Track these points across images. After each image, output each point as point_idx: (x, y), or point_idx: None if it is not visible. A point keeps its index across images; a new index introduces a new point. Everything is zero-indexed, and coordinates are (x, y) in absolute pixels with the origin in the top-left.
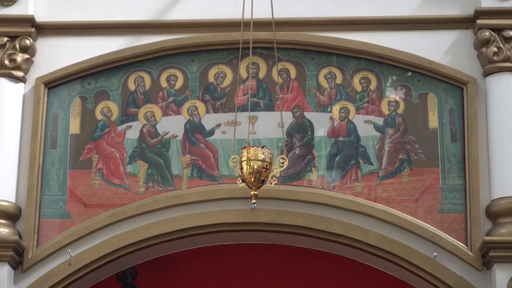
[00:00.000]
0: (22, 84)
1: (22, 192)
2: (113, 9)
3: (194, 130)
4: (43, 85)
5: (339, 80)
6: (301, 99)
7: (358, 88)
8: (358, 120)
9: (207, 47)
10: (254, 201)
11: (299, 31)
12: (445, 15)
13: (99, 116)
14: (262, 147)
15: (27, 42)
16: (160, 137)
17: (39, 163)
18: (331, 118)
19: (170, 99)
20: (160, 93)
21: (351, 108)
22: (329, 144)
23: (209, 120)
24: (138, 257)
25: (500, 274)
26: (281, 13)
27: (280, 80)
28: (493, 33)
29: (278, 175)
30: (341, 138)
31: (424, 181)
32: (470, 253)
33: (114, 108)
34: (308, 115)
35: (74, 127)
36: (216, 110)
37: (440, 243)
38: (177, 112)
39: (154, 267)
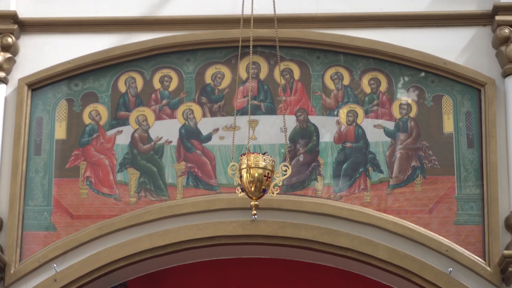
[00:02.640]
0: (3, 85)
1: (4, 202)
2: (102, 4)
3: (190, 135)
4: (26, 87)
5: (346, 81)
6: (306, 101)
7: (367, 89)
8: (367, 124)
9: (203, 45)
10: (255, 212)
11: (303, 28)
12: (461, 11)
13: (87, 120)
14: (263, 154)
15: (9, 40)
16: (153, 143)
17: (22, 171)
18: (338, 122)
19: (164, 101)
20: (153, 95)
21: (360, 111)
22: (336, 151)
23: (206, 125)
24: (129, 273)
25: None
26: (284, 9)
27: (283, 81)
28: None
29: (280, 184)
30: (348, 144)
31: (438, 191)
32: (488, 268)
33: (103, 112)
34: (313, 119)
35: (60, 132)
36: (213, 114)
37: (456, 258)
38: (172, 116)
39: (146, 283)
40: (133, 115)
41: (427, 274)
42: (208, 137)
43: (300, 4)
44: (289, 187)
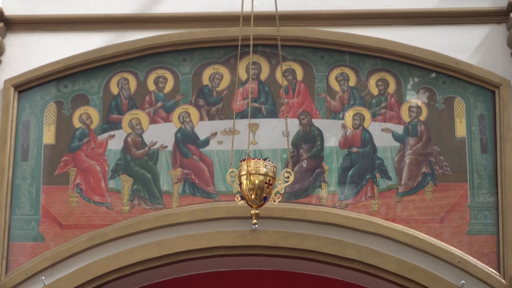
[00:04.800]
0: None
1: None
2: (93, 1)
3: (186, 139)
4: (12, 88)
5: (352, 82)
6: (309, 104)
7: (375, 91)
8: (375, 128)
9: (201, 44)
10: (255, 221)
11: (306, 26)
12: (474, 8)
13: (77, 123)
14: (264, 159)
15: None
16: (147, 148)
17: (8, 178)
18: (344, 126)
19: (159, 104)
20: (147, 98)
21: (366, 114)
22: (341, 156)
23: (203, 129)
24: (122, 286)
25: None
26: (286, 6)
27: (285, 83)
28: None
29: (282, 191)
30: (354, 149)
31: (450, 198)
32: (503, 280)
33: (95, 115)
34: (317, 122)
35: (49, 136)
36: (211, 117)
37: (469, 270)
38: (167, 119)
39: None
40: (126, 119)
41: (438, 287)
42: (206, 142)
43: (303, 0)
44: (292, 195)
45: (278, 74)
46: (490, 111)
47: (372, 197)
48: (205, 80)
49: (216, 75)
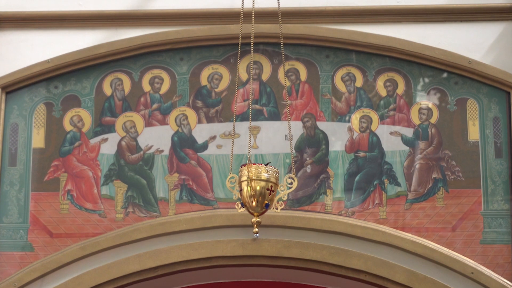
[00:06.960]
0: None
1: None
2: None
3: (184, 143)
4: (0, 89)
5: (359, 82)
6: (313, 105)
7: (383, 92)
8: (383, 131)
9: (199, 42)
10: (257, 229)
11: (310, 23)
12: (488, 4)
13: (68, 126)
14: (266, 164)
15: None
16: (142, 152)
17: None
18: (350, 129)
19: (154, 106)
20: (142, 99)
21: (374, 117)
22: (347, 161)
23: (201, 132)
24: None
25: None
26: (289, 2)
27: (288, 83)
28: None
29: (285, 198)
30: (361, 154)
31: (462, 206)
32: None
33: (86, 117)
34: (322, 125)
35: (38, 140)
36: (210, 120)
37: (482, 281)
38: (163, 122)
39: None
40: (119, 121)
41: None
42: (204, 146)
43: None
44: (295, 202)
45: (281, 74)
46: (505, 113)
47: (380, 204)
48: (204, 81)
49: (215, 75)
